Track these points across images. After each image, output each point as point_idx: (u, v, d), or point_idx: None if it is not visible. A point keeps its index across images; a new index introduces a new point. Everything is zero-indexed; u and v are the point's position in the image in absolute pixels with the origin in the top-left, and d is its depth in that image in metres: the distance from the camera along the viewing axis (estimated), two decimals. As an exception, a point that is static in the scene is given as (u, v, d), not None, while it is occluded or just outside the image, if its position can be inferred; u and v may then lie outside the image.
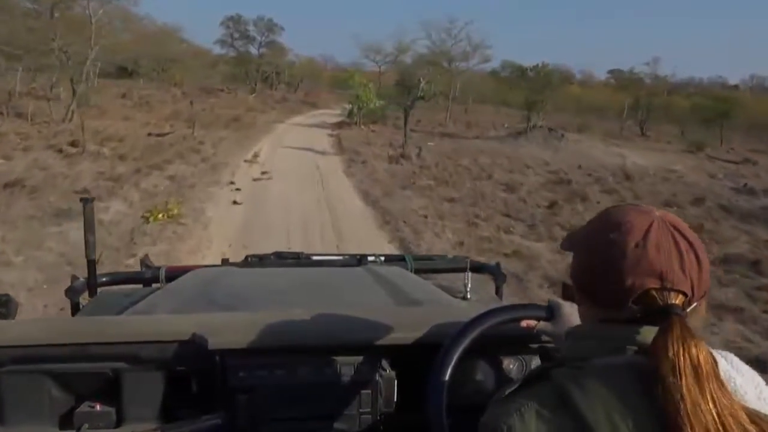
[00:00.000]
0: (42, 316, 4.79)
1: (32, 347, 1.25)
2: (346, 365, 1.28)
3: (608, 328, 0.81)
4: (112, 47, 25.52)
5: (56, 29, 17.05)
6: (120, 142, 15.19)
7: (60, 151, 13.09)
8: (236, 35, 45.37)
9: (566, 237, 0.96)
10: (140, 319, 1.50)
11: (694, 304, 0.79)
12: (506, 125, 31.43)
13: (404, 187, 12.30)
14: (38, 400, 1.25)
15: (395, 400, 1.30)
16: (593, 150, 22.07)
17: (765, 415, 0.72)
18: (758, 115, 33.22)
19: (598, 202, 12.02)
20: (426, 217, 9.76)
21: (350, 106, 25.45)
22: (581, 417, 0.71)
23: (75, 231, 7.72)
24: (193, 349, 1.27)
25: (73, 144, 13.87)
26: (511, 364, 1.37)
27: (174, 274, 2.12)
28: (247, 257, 2.37)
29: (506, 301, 2.13)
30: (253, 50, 45.83)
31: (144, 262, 2.38)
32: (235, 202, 10.18)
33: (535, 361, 1.37)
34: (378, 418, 1.30)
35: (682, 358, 0.70)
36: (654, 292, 0.77)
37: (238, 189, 11.26)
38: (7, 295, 1.82)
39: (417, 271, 2.29)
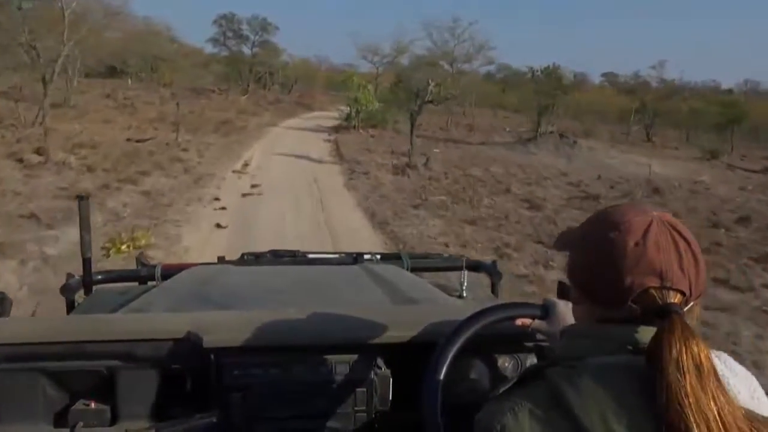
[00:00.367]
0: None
1: (27, 345, 1.23)
2: (342, 363, 1.26)
3: (605, 327, 0.80)
4: (95, 45, 23.68)
5: (24, 23, 15.25)
6: (93, 149, 13.42)
7: (20, 160, 11.30)
8: (229, 34, 43.55)
9: (559, 236, 0.96)
10: (135, 317, 1.49)
11: (691, 304, 0.78)
12: (508, 129, 29.94)
13: (416, 205, 10.62)
14: (33, 398, 1.24)
15: (390, 398, 1.29)
16: (608, 158, 20.50)
17: (759, 415, 0.72)
18: (759, 119, 32.00)
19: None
20: (447, 246, 8.10)
21: (348, 108, 23.74)
22: (575, 417, 0.70)
23: (9, 274, 6.03)
24: (188, 347, 1.25)
25: (38, 152, 12.11)
26: (506, 363, 1.34)
27: (170, 272, 2.07)
28: (243, 255, 2.31)
29: (502, 300, 2.02)
30: (246, 50, 44.05)
31: (140, 259, 2.32)
32: (218, 226, 8.47)
33: (531, 360, 1.34)
34: (373, 416, 1.28)
35: (684, 356, 0.69)
36: (653, 291, 0.76)
37: (223, 208, 9.56)
38: (1, 293, 1.81)
39: (413, 270, 2.26)
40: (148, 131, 17.73)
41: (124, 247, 6.93)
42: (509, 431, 0.74)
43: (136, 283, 2.21)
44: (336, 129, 24.54)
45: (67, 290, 2.02)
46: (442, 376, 1.01)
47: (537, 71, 22.40)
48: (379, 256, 2.39)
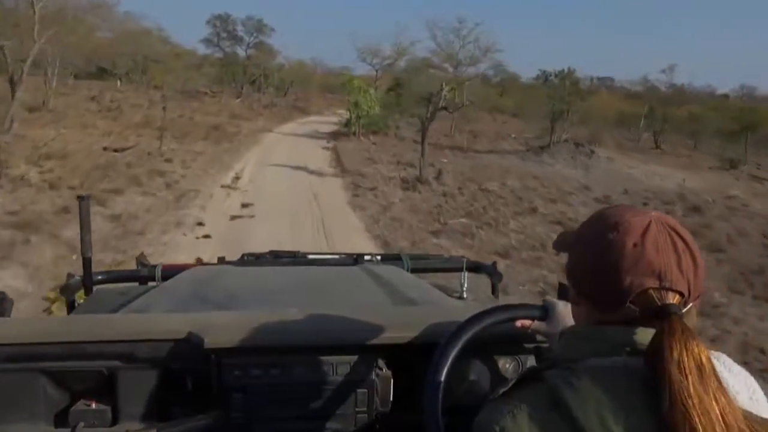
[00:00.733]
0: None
1: (27, 345, 1.21)
2: (342, 364, 1.24)
3: (603, 328, 0.79)
4: (76, 43, 21.95)
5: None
6: (62, 160, 11.71)
7: (-31, 175, 9.63)
8: (223, 35, 41.76)
9: (559, 237, 0.95)
10: (136, 317, 1.47)
11: (689, 305, 0.77)
12: (513, 136, 28.38)
13: (435, 231, 8.99)
14: (33, 398, 1.23)
15: (391, 399, 1.28)
16: (628, 168, 18.94)
17: (758, 417, 0.71)
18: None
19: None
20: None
21: (348, 113, 22.07)
22: (573, 418, 0.69)
23: None
24: (189, 347, 1.23)
25: (-3, 163, 10.42)
26: (507, 364, 1.32)
27: (170, 272, 2.05)
28: (243, 256, 2.28)
29: (502, 301, 2.01)
30: (241, 51, 42.29)
31: (140, 260, 2.27)
32: (200, 262, 6.83)
33: (531, 361, 1.32)
34: (374, 417, 1.27)
35: (685, 357, 0.68)
36: (652, 292, 0.75)
37: (207, 236, 7.90)
38: (2, 293, 1.79)
39: (413, 271, 2.23)
40: (131, 138, 16.01)
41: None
42: None
43: (137, 284, 2.15)
44: (335, 135, 22.87)
45: (67, 290, 1.97)
46: (442, 378, 0.98)
47: (551, 75, 20.86)
48: (379, 257, 2.33)
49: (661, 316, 0.74)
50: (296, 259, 2.27)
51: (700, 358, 0.69)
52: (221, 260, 2.29)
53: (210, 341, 1.22)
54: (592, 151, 19.01)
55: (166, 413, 1.28)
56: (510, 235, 9.25)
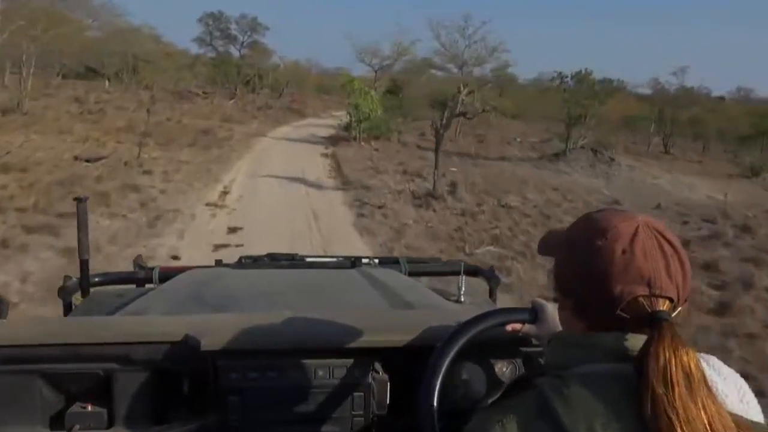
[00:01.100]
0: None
1: (23, 347, 1.20)
2: (339, 367, 1.23)
3: (593, 335, 0.77)
4: (53, 41, 20.26)
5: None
6: (22, 173, 10.03)
7: None
8: (216, 34, 40.04)
9: (543, 240, 0.93)
10: (133, 319, 1.46)
11: (679, 309, 0.77)
12: (519, 140, 26.87)
13: (463, 265, 7.40)
14: (29, 400, 1.21)
15: (388, 402, 1.27)
16: (651, 178, 17.39)
17: (749, 420, 0.71)
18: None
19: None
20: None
21: (347, 117, 20.44)
22: (563, 428, 0.68)
23: None
24: (186, 350, 1.22)
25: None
26: (503, 368, 1.31)
27: (167, 274, 2.05)
28: (240, 258, 2.26)
29: (500, 305, 1.87)
30: (234, 51, 40.58)
31: (137, 262, 2.25)
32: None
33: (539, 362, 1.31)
34: (370, 420, 1.26)
35: (673, 365, 0.68)
36: (642, 299, 0.74)
37: (182, 276, 6.28)
38: None
39: (411, 274, 2.22)
40: (109, 145, 14.33)
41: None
42: None
43: (134, 286, 2.13)
44: (333, 140, 21.23)
45: (64, 292, 1.93)
46: (438, 381, 0.98)
47: (566, 77, 19.33)
48: (377, 261, 2.31)
49: (651, 323, 0.72)
50: (294, 261, 2.22)
51: (689, 366, 0.68)
52: (218, 263, 2.23)
53: (207, 344, 1.20)
54: (612, 159, 17.45)
55: (163, 416, 1.26)
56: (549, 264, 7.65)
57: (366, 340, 1.24)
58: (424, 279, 2.39)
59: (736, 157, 30.47)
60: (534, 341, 1.22)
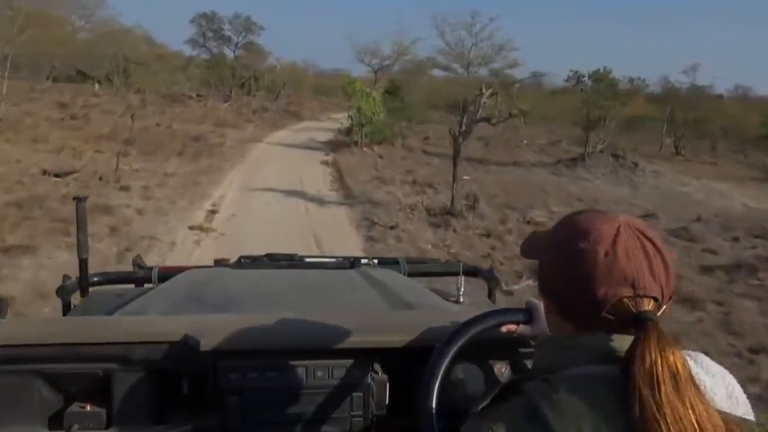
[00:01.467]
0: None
1: (22, 347, 1.19)
2: (338, 368, 1.23)
3: (579, 337, 0.77)
4: (31, 41, 18.76)
5: None
6: (-26, 192, 8.59)
7: None
8: (209, 35, 38.50)
9: (527, 242, 0.91)
10: (132, 319, 1.45)
11: (663, 308, 0.76)
12: (525, 142, 25.44)
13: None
14: (28, 400, 1.20)
15: (387, 403, 1.26)
16: (680, 185, 15.97)
17: (737, 418, 0.70)
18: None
19: None
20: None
21: (348, 120, 18.98)
22: None
23: None
24: (185, 350, 1.21)
25: None
26: (503, 368, 1.31)
27: (166, 274, 2.03)
28: (240, 258, 2.20)
29: (499, 306, 1.93)
30: (229, 52, 39.04)
31: (136, 262, 2.20)
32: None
33: (527, 364, 1.30)
34: (369, 421, 1.25)
35: (660, 366, 0.67)
36: (626, 300, 0.74)
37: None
38: None
39: (410, 275, 2.20)
40: (86, 155, 12.84)
41: None
42: None
43: (133, 286, 2.11)
44: (333, 145, 19.76)
45: (63, 292, 1.91)
46: (436, 385, 0.98)
47: (583, 76, 17.88)
48: (376, 261, 2.27)
49: (636, 324, 0.72)
50: (293, 262, 2.20)
51: (676, 366, 0.67)
52: (218, 262, 2.19)
53: (206, 344, 1.20)
54: (636, 164, 16.02)
55: (162, 416, 1.25)
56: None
57: (365, 341, 1.24)
58: (423, 279, 2.32)
59: (745, 157, 29.19)
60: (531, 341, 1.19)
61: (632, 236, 0.75)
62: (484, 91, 9.40)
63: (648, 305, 0.74)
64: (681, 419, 0.65)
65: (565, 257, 0.77)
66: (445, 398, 0.99)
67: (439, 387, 0.97)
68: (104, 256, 6.66)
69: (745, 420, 0.72)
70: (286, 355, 1.22)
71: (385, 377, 1.25)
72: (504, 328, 1.10)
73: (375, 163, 15.97)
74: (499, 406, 0.75)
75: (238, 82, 38.28)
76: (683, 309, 6.34)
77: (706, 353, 0.81)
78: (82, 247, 1.94)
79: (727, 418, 0.69)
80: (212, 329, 1.23)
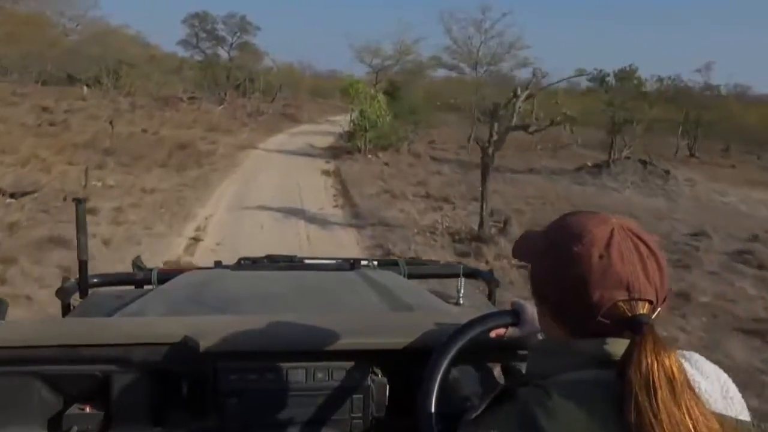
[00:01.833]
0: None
1: (21, 348, 1.18)
2: (338, 370, 1.22)
3: (574, 342, 0.75)
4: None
5: None
6: None
7: None
8: (202, 35, 36.82)
9: (519, 243, 0.89)
10: (131, 320, 1.43)
11: (658, 310, 0.75)
12: (539, 146, 23.91)
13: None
14: (27, 402, 1.19)
15: (387, 405, 1.25)
16: (719, 194, 14.40)
17: (733, 420, 0.70)
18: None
19: None
20: None
21: (350, 124, 17.37)
22: None
23: None
24: (185, 351, 1.20)
25: None
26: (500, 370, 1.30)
27: (166, 275, 1.98)
28: (240, 260, 2.17)
29: (498, 308, 1.79)
30: (223, 53, 37.37)
31: (136, 263, 2.23)
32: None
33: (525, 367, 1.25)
34: (369, 423, 1.24)
35: (656, 370, 0.66)
36: (621, 304, 0.72)
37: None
38: None
39: (410, 276, 2.17)
40: (55, 168, 11.22)
41: None
42: None
43: (132, 287, 2.05)
44: (334, 152, 18.17)
45: (62, 293, 1.89)
46: (436, 384, 0.97)
47: (608, 75, 16.26)
48: (376, 263, 2.24)
49: (632, 327, 0.71)
50: (293, 263, 2.19)
51: (672, 370, 0.66)
52: (218, 264, 2.16)
53: (205, 345, 1.18)
54: (667, 172, 14.46)
55: (161, 418, 1.23)
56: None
57: (365, 343, 1.23)
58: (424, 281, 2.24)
59: (759, 159, 27.77)
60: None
61: (626, 238, 0.74)
62: (519, 93, 7.81)
63: (643, 308, 0.72)
64: (678, 424, 0.63)
65: (558, 262, 0.75)
66: (444, 400, 0.98)
67: (438, 389, 0.96)
68: (46, 314, 5.04)
69: (741, 422, 0.70)
70: (285, 356, 1.21)
71: (384, 379, 1.24)
72: (492, 333, 1.06)
73: (381, 172, 14.38)
74: (493, 413, 0.73)
75: (233, 84, 36.67)
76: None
77: None
78: (81, 249, 1.86)
79: (723, 421, 0.67)
80: (212, 331, 1.22)
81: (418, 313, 1.56)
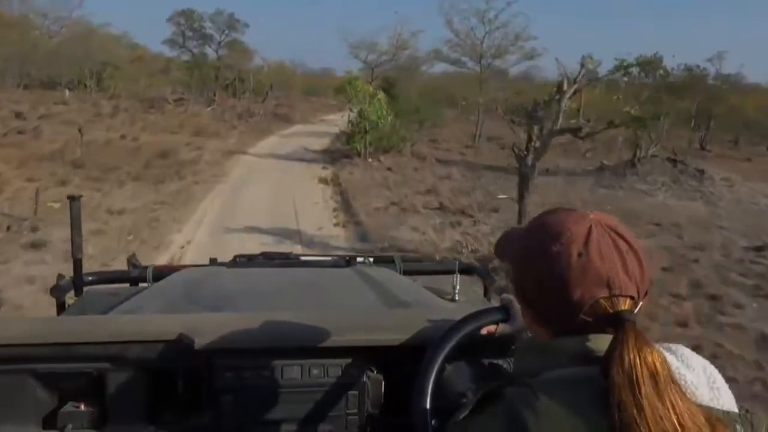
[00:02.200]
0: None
1: (16, 346, 1.17)
2: (333, 366, 1.21)
3: (557, 340, 0.76)
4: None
5: None
6: None
7: None
8: (189, 34, 35.04)
9: (501, 242, 0.89)
10: (126, 318, 1.40)
11: (640, 305, 0.75)
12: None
13: None
14: (21, 400, 1.18)
15: (382, 401, 1.25)
16: (763, 196, 12.89)
17: (719, 411, 0.69)
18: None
19: None
20: None
21: (349, 125, 15.78)
22: None
23: None
24: (180, 349, 1.19)
25: None
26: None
27: (161, 273, 1.98)
28: (235, 257, 2.14)
29: (494, 304, 1.67)
30: (211, 52, 35.63)
31: (131, 261, 2.19)
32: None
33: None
34: (365, 419, 1.24)
35: (639, 366, 0.66)
36: (603, 301, 0.72)
37: None
38: None
39: (406, 273, 2.13)
40: (11, 185, 9.61)
41: None
42: None
43: (127, 285, 2.06)
44: (331, 155, 16.61)
45: (57, 291, 1.86)
46: (431, 380, 0.97)
47: (632, 65, 14.65)
48: (371, 259, 2.23)
49: (613, 324, 0.71)
50: (288, 260, 2.16)
51: (655, 365, 0.66)
52: (213, 261, 2.15)
53: (201, 342, 1.17)
54: (701, 171, 12.96)
55: (156, 415, 1.23)
56: None
57: (361, 339, 1.22)
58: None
59: (768, 150, 26.48)
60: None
61: (604, 235, 0.73)
62: (565, 87, 6.26)
63: (624, 304, 0.72)
64: (662, 419, 0.63)
65: (538, 261, 0.75)
66: (439, 396, 0.98)
67: (433, 386, 0.96)
68: None
69: (728, 413, 0.70)
70: (281, 353, 1.20)
71: (380, 375, 1.24)
72: (483, 330, 1.06)
73: (385, 179, 12.83)
74: (480, 413, 0.73)
75: (222, 84, 34.98)
76: None
77: None
78: (76, 247, 1.85)
79: (710, 414, 0.67)
80: (207, 328, 1.21)
81: (414, 310, 1.54)
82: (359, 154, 15.17)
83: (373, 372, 1.23)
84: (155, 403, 1.23)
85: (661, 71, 14.10)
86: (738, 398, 0.74)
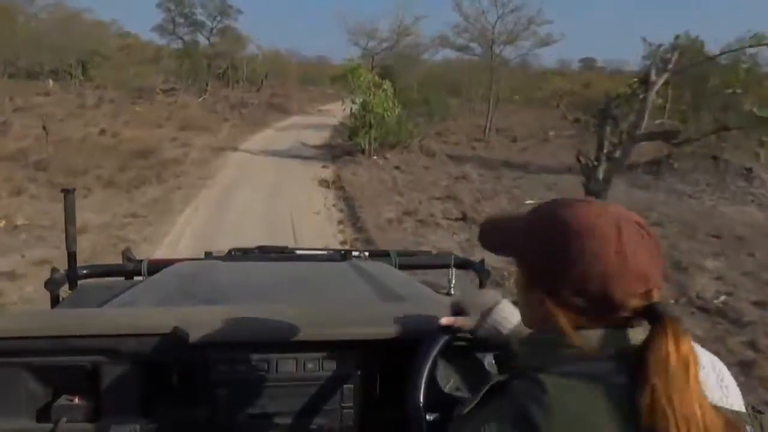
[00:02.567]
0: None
1: (9, 339, 1.16)
2: (328, 360, 1.21)
3: (574, 333, 0.71)
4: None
5: None
6: None
7: None
8: (179, 20, 33.14)
9: (491, 232, 0.83)
10: (121, 312, 1.41)
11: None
12: (552, 133, 20.94)
13: None
14: (15, 393, 1.18)
15: (377, 395, 1.26)
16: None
17: (729, 411, 0.69)
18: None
19: None
20: None
21: (352, 119, 14.16)
22: None
23: None
24: (174, 342, 1.18)
25: None
26: (492, 361, 1.24)
27: (156, 266, 1.97)
28: (230, 251, 2.14)
29: None
30: (203, 40, 33.76)
31: (126, 254, 2.20)
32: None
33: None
34: (360, 412, 1.24)
35: (674, 357, 0.65)
36: (639, 295, 0.71)
37: None
38: None
39: (402, 267, 2.15)
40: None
41: None
42: None
43: (122, 278, 2.05)
44: (332, 151, 15.01)
45: (51, 284, 1.84)
46: (425, 374, 0.97)
47: (668, 52, 12.94)
48: (367, 254, 2.21)
49: (651, 316, 0.70)
50: (284, 254, 2.14)
51: (688, 358, 0.66)
52: (208, 255, 2.15)
53: (196, 336, 1.17)
54: (749, 170, 11.41)
55: (151, 408, 1.22)
56: None
57: (356, 333, 1.21)
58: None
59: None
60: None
61: (634, 231, 0.71)
62: (653, 78, 4.67)
63: (656, 296, 0.71)
64: (688, 414, 0.62)
65: (565, 257, 0.71)
66: (433, 390, 0.98)
67: (426, 381, 0.96)
68: None
69: (738, 413, 0.70)
70: (276, 347, 1.19)
71: (375, 369, 1.23)
72: (443, 320, 1.05)
73: (394, 180, 11.25)
74: (486, 407, 0.71)
75: (214, 72, 33.16)
76: None
77: None
78: (70, 240, 1.84)
79: (721, 413, 0.66)
80: (202, 322, 1.20)
81: (409, 304, 1.53)
82: (363, 151, 13.56)
83: (368, 365, 1.21)
84: (150, 396, 1.21)
85: (703, 56, 12.49)
86: None
